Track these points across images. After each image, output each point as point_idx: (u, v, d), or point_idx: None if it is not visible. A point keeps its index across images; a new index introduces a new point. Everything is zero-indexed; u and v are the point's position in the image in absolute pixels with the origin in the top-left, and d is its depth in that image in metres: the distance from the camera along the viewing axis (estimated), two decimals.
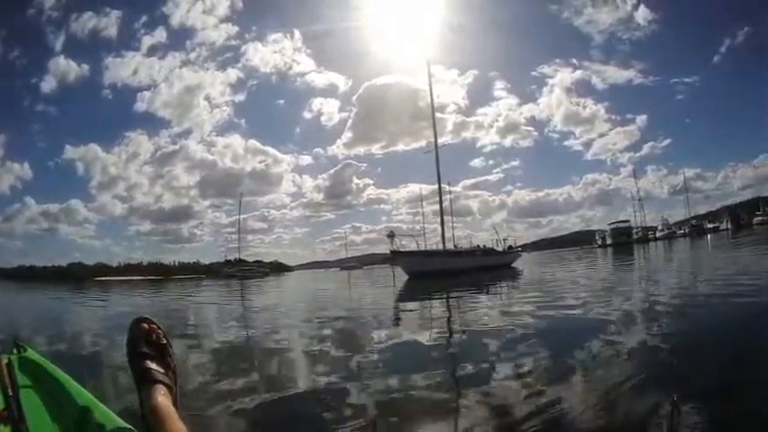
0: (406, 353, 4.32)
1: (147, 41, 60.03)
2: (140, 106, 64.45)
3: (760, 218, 53.18)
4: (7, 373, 1.03)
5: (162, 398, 1.10)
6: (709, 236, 42.34)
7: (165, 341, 1.27)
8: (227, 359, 4.52)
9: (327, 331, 5.60)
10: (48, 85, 58.09)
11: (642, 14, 62.24)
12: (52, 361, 1.49)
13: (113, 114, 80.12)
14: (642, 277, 11.59)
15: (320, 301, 11.55)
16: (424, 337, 5.07)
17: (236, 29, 63.74)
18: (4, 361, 1.07)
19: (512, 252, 27.60)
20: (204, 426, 2.51)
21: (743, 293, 6.20)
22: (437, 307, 8.85)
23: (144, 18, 63.00)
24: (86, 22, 56.57)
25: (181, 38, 72.97)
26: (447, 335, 5.21)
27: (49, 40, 58.31)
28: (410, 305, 9.83)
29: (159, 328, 1.28)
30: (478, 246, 27.44)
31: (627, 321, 5.07)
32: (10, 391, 0.99)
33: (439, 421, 2.56)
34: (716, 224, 54.78)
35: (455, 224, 28.15)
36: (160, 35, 61.25)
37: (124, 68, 60.62)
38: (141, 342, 1.23)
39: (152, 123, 78.45)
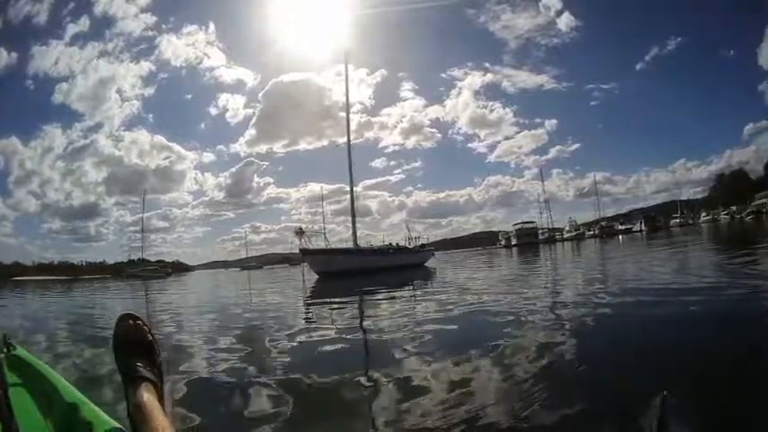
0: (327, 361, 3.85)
1: (72, 30, 59.26)
2: (57, 98, 63.32)
3: (678, 220, 56.45)
4: None
5: (147, 394, 1.11)
6: (620, 237, 44.10)
7: (150, 338, 1.27)
8: None
9: (241, 346, 4.62)
10: None
11: (565, 21, 65.27)
12: (41, 359, 1.52)
13: (33, 106, 77.12)
14: (565, 275, 11.23)
15: (232, 309, 9.25)
16: (347, 341, 4.57)
17: (154, 19, 63.12)
18: None
19: (425, 251, 26.16)
20: (190, 422, 2.43)
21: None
22: (356, 309, 7.73)
23: (72, 5, 61.04)
24: (22, 8, 55.17)
25: (101, 27, 69.09)
26: (368, 337, 4.81)
27: None
28: (330, 309, 8.14)
29: (145, 324, 1.28)
30: (390, 244, 25.89)
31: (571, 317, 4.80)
32: None
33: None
34: (628, 226, 57.06)
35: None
36: (83, 23, 59.87)
37: (48, 58, 59.54)
38: (127, 339, 1.24)
39: (66, 116, 74.25)
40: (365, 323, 5.91)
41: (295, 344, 4.57)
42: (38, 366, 1.47)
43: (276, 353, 4.19)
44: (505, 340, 3.83)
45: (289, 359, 3.91)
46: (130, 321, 1.27)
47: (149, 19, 62.81)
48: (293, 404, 2.66)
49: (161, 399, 1.14)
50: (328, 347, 4.27)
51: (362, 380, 3.07)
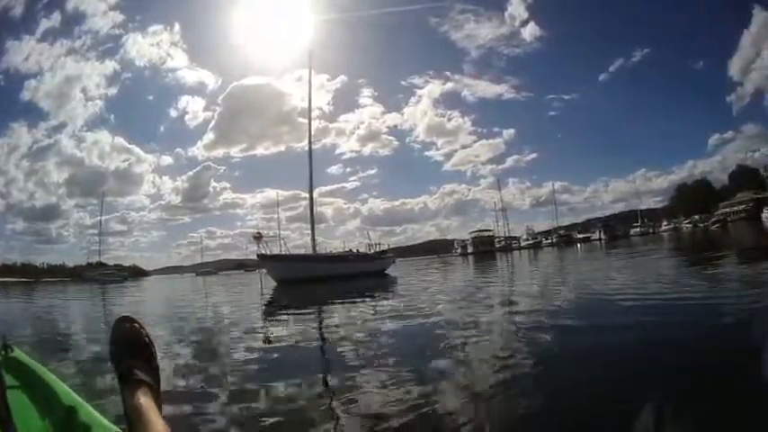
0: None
1: (44, 25, 57.22)
2: (25, 95, 60.70)
3: (638, 229, 57.86)
4: None
5: (143, 397, 1.11)
6: (579, 245, 45.11)
7: (147, 341, 1.26)
8: None
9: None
10: None
11: (530, 31, 65.95)
12: (39, 361, 1.52)
13: (2, 102, 71.13)
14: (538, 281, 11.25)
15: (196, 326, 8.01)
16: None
17: (122, 17, 60.82)
18: None
19: (385, 258, 25.49)
20: (187, 426, 2.51)
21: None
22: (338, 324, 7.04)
23: None
24: None
25: (71, 23, 65.19)
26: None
27: None
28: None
29: (142, 327, 1.28)
30: (351, 250, 25.48)
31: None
32: None
33: None
34: (587, 234, 58.21)
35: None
36: (55, 19, 57.80)
37: (20, 53, 57.70)
38: (124, 342, 1.24)
39: (33, 114, 69.33)
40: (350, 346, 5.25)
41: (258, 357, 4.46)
42: (36, 369, 1.47)
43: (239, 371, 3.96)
44: (488, 353, 3.78)
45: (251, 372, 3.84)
46: (127, 324, 1.26)
47: (117, 17, 60.67)
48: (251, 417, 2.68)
49: (158, 401, 1.13)
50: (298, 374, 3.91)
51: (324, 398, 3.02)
